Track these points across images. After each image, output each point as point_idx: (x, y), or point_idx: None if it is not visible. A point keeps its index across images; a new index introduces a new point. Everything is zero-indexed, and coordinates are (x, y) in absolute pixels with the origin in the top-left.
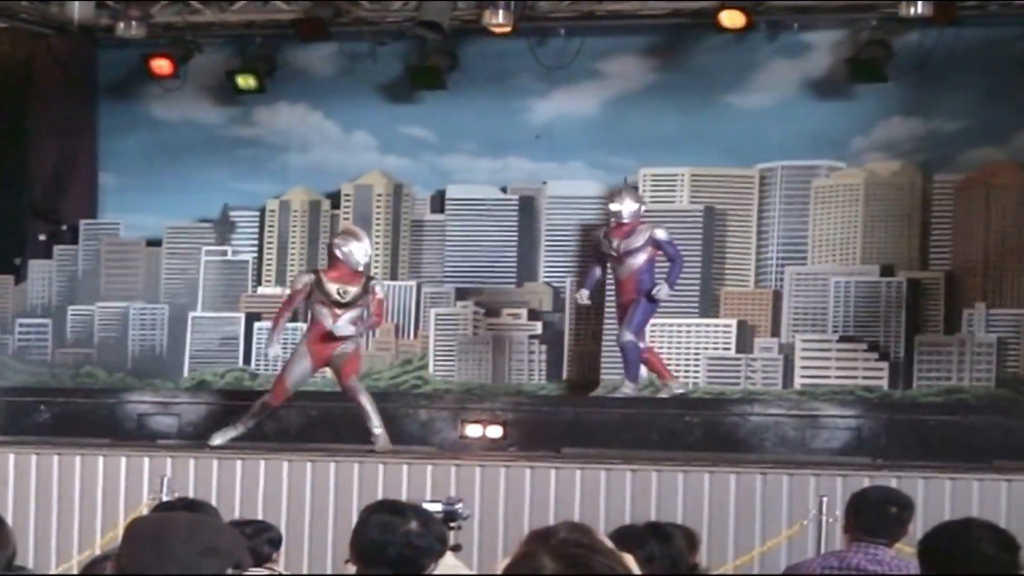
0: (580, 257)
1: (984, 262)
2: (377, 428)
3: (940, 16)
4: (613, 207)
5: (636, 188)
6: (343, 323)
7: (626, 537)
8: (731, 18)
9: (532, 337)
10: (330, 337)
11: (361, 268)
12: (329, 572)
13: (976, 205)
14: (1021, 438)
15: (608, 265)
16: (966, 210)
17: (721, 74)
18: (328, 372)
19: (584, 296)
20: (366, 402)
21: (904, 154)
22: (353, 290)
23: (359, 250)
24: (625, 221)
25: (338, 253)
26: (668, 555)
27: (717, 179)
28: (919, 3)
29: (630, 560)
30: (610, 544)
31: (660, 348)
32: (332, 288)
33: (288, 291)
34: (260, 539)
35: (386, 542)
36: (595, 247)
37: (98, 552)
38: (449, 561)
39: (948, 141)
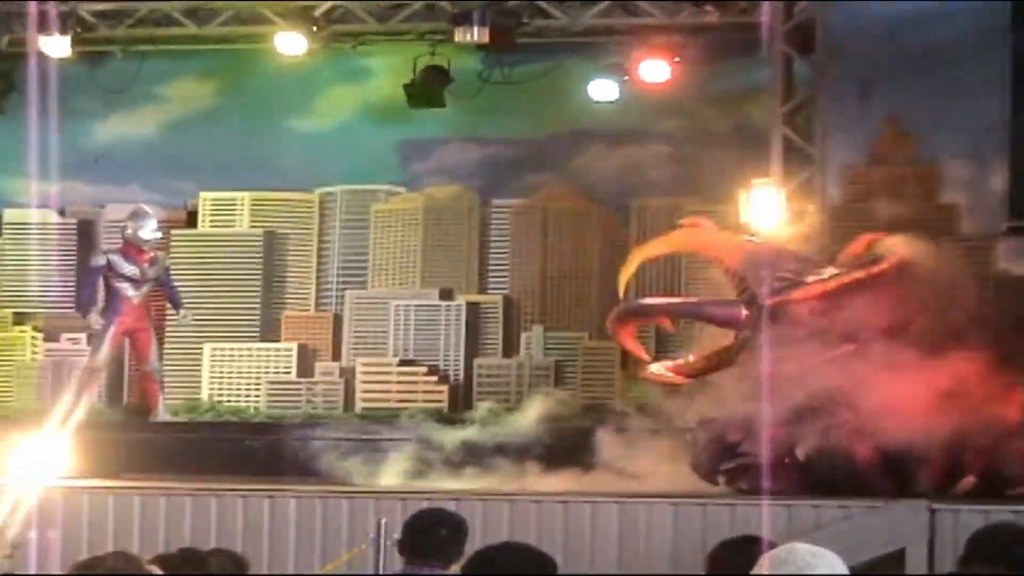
0: None
1: (542, 285)
2: None
3: (497, 43)
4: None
5: None
6: None
7: (162, 565)
8: (288, 43)
9: None
10: None
11: None
12: None
13: (534, 229)
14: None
15: (118, 287)
16: (524, 234)
17: (282, 98)
18: None
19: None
20: None
21: (462, 178)
22: None
23: None
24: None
25: None
26: None
27: (278, 203)
28: (475, 29)
29: None
30: (159, 572)
31: (220, 372)
32: None
33: None
34: None
35: None
36: (110, 267)
37: None
38: None
39: (505, 166)
